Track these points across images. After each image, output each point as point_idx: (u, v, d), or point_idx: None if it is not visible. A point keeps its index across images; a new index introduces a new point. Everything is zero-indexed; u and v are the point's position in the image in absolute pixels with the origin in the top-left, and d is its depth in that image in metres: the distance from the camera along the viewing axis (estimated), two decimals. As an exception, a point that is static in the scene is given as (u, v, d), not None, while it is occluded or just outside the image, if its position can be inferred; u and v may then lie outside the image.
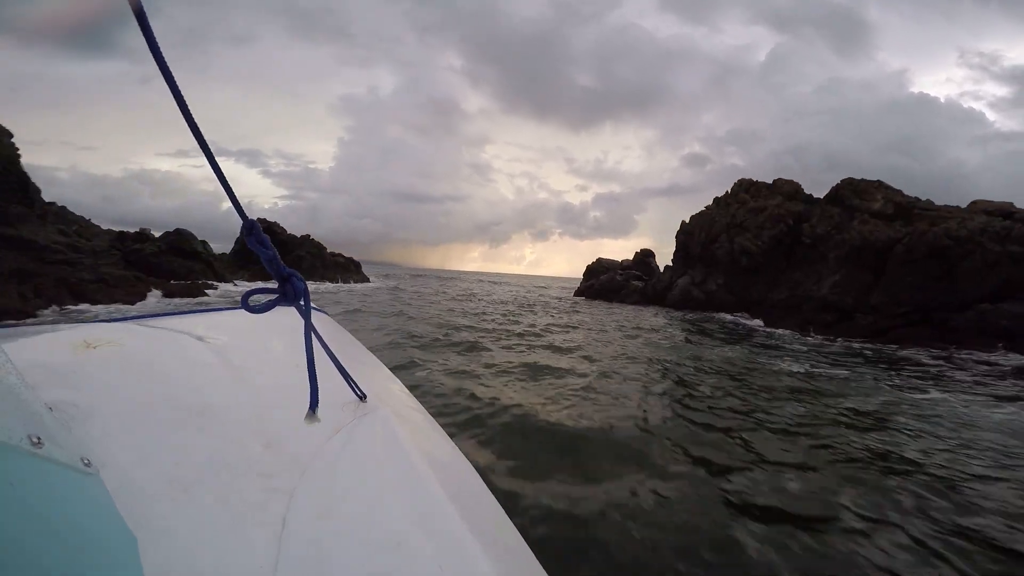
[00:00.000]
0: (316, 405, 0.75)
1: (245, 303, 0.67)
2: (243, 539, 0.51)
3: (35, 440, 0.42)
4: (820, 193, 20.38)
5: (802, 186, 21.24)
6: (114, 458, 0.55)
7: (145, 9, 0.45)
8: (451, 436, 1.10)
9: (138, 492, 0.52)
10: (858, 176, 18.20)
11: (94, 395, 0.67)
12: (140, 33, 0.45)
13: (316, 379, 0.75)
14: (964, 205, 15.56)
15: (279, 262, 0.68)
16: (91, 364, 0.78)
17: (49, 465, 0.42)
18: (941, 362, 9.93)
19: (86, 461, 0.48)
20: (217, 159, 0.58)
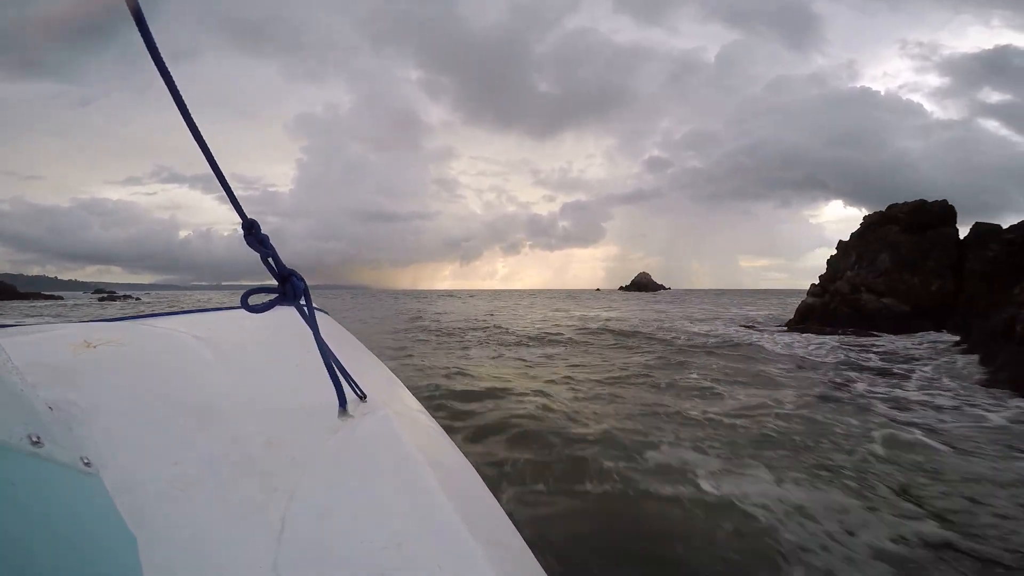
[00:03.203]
0: (344, 403, 0.78)
1: (245, 303, 0.67)
2: (243, 539, 0.51)
3: (35, 439, 0.42)
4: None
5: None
6: (114, 457, 0.55)
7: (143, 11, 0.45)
8: (451, 436, 1.07)
9: (138, 491, 0.52)
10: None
11: (94, 394, 0.68)
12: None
13: (338, 378, 0.78)
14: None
15: (279, 261, 0.67)
16: (91, 363, 0.79)
17: (49, 465, 0.42)
18: None
19: (86, 460, 0.48)
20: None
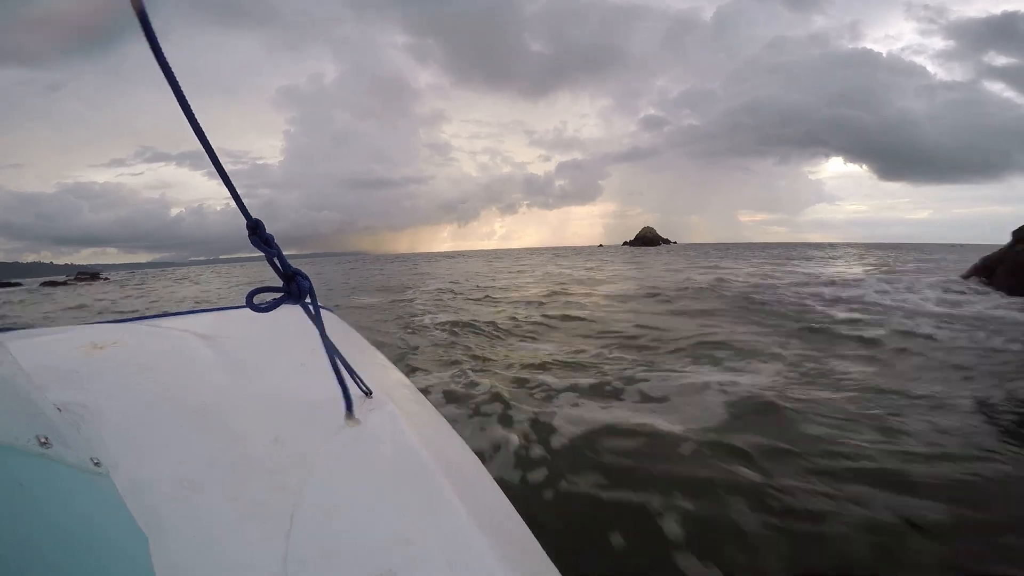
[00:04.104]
0: (351, 407, 0.75)
1: (250, 302, 0.67)
2: (252, 537, 0.51)
3: (43, 441, 0.42)
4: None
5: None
6: (123, 458, 0.56)
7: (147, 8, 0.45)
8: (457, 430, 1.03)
9: (148, 491, 0.52)
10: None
11: (102, 395, 0.69)
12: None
13: (344, 382, 0.76)
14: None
15: (284, 260, 0.67)
16: (98, 365, 0.80)
17: (58, 466, 0.42)
18: None
19: (96, 461, 0.48)
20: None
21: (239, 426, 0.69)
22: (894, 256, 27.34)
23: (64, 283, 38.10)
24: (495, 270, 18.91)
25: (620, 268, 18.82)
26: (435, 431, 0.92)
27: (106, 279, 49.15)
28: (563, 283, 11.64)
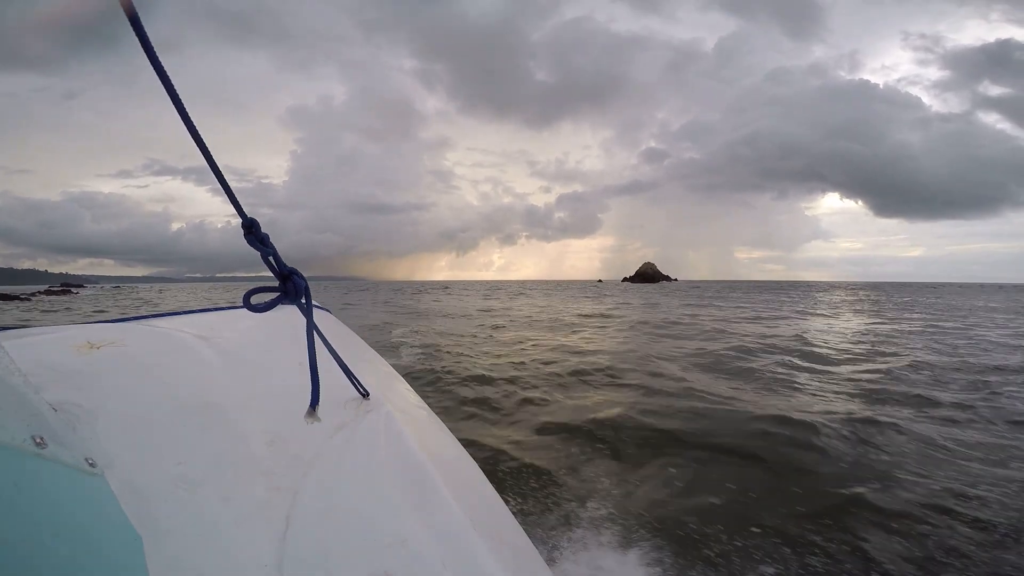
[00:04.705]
0: (316, 403, 0.73)
1: (247, 302, 0.66)
2: (248, 538, 0.51)
3: (39, 441, 0.42)
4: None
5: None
6: (119, 458, 0.55)
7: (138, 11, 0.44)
8: (453, 432, 1.04)
9: (143, 492, 0.52)
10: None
11: (98, 395, 0.68)
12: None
13: (318, 378, 0.74)
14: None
15: (280, 260, 0.66)
16: (95, 364, 0.78)
17: (54, 466, 0.42)
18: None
19: (91, 461, 0.48)
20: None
21: (236, 426, 0.68)
22: (939, 305, 24.31)
23: (21, 298, 33.78)
24: (494, 320, 14.08)
25: (648, 314, 15.24)
26: (431, 433, 0.94)
27: (76, 293, 46.31)
28: (587, 364, 6.39)
